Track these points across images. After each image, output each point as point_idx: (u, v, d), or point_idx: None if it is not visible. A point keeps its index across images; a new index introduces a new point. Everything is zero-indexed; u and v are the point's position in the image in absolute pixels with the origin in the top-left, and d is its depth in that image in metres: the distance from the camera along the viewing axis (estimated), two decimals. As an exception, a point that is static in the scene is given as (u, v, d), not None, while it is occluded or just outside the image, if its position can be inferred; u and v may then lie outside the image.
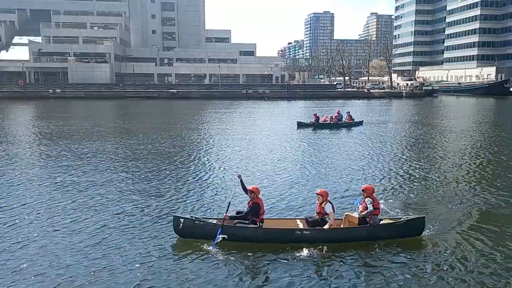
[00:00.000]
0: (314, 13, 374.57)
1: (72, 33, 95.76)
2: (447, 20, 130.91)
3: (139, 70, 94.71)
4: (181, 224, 9.58)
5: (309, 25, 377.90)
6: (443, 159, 20.75)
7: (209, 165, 18.93)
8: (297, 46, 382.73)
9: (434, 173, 17.54)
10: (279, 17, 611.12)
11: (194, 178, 16.44)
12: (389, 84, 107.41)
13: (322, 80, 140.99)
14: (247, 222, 9.68)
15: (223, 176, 16.66)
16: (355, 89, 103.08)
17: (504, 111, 56.24)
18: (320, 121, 34.27)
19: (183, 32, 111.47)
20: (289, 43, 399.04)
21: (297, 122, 34.69)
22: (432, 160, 20.40)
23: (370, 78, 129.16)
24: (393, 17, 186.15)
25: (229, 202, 10.16)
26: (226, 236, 9.22)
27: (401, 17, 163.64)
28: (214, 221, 9.73)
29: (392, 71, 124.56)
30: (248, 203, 9.87)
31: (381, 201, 12.18)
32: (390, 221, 10.18)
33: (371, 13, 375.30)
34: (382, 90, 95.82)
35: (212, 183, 15.61)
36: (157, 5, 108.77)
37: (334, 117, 34.73)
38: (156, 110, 55.80)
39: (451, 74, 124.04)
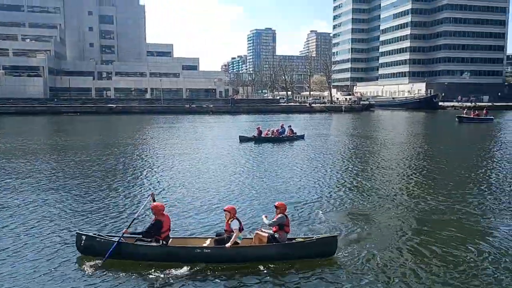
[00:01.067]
0: (256, 30, 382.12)
1: (1, 45, 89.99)
2: (381, 38, 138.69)
3: (75, 84, 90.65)
4: (82, 241, 9.27)
5: (252, 41, 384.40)
6: (378, 171, 21.13)
7: (139, 182, 18.05)
8: (240, 61, 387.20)
9: (368, 185, 17.70)
10: (222, 32, 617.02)
11: (119, 195, 15.56)
12: (329, 98, 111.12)
13: (266, 95, 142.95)
14: (150, 240, 9.19)
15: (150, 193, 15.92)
16: (298, 104, 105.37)
17: (433, 123, 59.95)
18: (262, 135, 34.32)
19: (123, 45, 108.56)
20: (232, 58, 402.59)
21: (239, 136, 34.48)
22: (368, 173, 20.74)
23: (311, 93, 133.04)
24: (331, 35, 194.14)
25: (134, 219, 10.03)
26: (120, 253, 8.99)
27: (339, 35, 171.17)
28: (116, 238, 9.25)
29: (332, 86, 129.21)
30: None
31: (307, 216, 12.07)
32: (300, 240, 9.58)
33: (311, 31, 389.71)
34: (323, 105, 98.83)
35: (135, 200, 14.74)
36: (95, 17, 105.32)
37: (275, 131, 34.95)
38: (92, 126, 53.37)
39: (386, 89, 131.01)
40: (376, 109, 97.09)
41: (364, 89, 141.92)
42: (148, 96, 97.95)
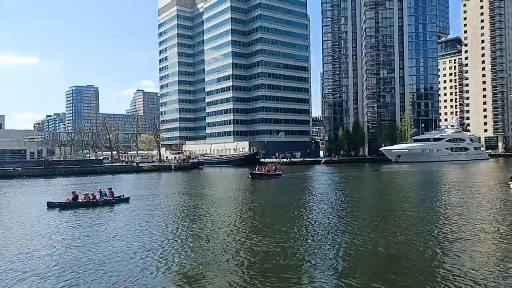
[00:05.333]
0: (76, 86, 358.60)
1: None
2: (207, 100, 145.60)
3: None
4: None
5: (71, 98, 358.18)
6: (209, 229, 20.49)
7: None
8: (57, 119, 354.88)
9: (194, 245, 16.62)
10: (34, 87, 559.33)
11: None
12: (158, 157, 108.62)
13: (88, 155, 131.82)
14: None
15: None
16: (124, 164, 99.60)
17: (236, 180, 62.86)
18: (79, 200, 29.75)
19: None
20: (48, 116, 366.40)
21: (47, 202, 29.28)
22: (194, 231, 19.86)
23: (139, 152, 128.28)
24: (159, 94, 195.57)
25: None
26: None
27: (166, 95, 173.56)
28: None
29: (160, 145, 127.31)
30: None
31: None
32: None
33: (138, 90, 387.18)
34: (152, 164, 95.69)
35: None
36: None
37: (91, 195, 30.64)
38: None
39: (214, 147, 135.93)
40: (205, 167, 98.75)
41: (193, 148, 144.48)
42: None
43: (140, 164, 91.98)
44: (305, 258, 15.20)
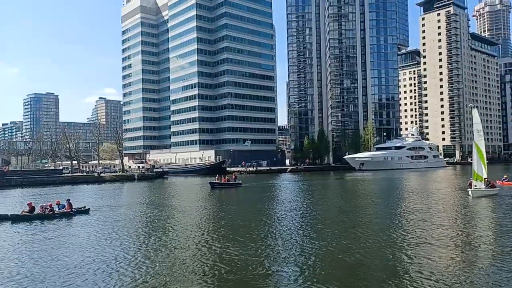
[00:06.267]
0: (35, 94, 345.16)
1: None
2: (172, 108, 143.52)
3: None
4: None
5: (29, 106, 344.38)
6: (170, 240, 19.98)
7: None
8: (14, 127, 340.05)
9: (155, 258, 15.89)
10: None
11: None
12: (121, 167, 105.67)
13: (47, 165, 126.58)
14: None
15: None
16: (85, 174, 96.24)
17: (196, 189, 62.09)
18: (36, 212, 28.21)
19: None
20: (4, 125, 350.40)
21: (-2, 214, 27.62)
22: (161, 244, 19.25)
23: (101, 161, 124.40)
24: (122, 103, 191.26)
25: None
26: None
27: (130, 103, 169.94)
28: None
29: (123, 154, 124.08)
30: None
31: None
32: None
33: (100, 98, 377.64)
34: (114, 174, 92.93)
35: None
36: None
37: (48, 206, 29.14)
38: None
39: (179, 156, 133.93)
40: (170, 176, 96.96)
41: (158, 157, 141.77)
42: None
43: (102, 174, 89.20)
44: (266, 267, 14.92)
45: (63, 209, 29.60)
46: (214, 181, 55.48)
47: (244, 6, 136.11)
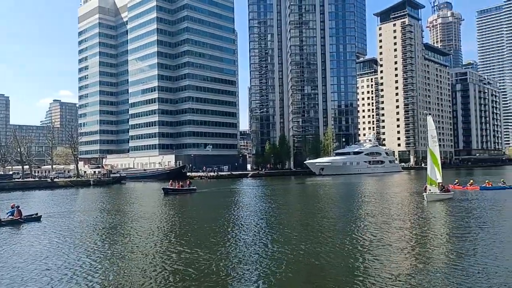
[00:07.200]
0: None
1: None
2: (130, 112, 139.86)
3: None
4: None
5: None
6: (124, 248, 19.26)
7: None
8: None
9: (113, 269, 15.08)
10: None
11: None
12: (76, 172, 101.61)
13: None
14: None
15: None
16: (37, 179, 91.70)
17: (150, 195, 60.99)
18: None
19: None
20: None
21: None
22: (115, 252, 18.48)
23: (54, 166, 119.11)
24: (77, 105, 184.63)
25: None
26: None
27: (86, 106, 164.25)
28: None
29: (78, 159, 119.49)
30: None
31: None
32: None
33: (54, 100, 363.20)
34: (68, 179, 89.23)
35: None
36: None
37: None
38: None
39: (137, 161, 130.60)
40: (128, 182, 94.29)
41: (115, 162, 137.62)
42: None
43: (55, 179, 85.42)
44: (226, 272, 14.51)
45: (11, 217, 27.84)
46: (167, 187, 53.96)
47: (206, 10, 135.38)
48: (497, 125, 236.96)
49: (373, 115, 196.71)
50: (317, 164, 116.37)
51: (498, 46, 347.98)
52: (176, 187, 54.00)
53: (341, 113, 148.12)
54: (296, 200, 47.06)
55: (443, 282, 13.43)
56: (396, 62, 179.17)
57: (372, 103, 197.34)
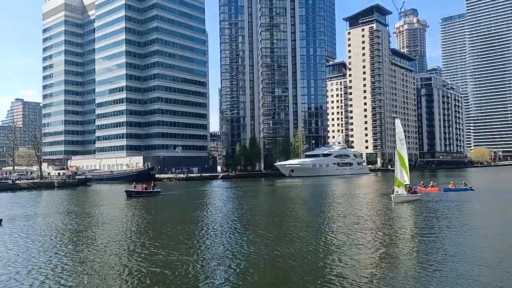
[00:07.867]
0: None
1: None
2: (97, 112, 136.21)
3: None
4: None
5: None
6: (88, 252, 18.63)
7: None
8: None
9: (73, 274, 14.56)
10: None
11: None
12: (39, 174, 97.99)
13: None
14: None
15: None
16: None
17: (112, 198, 59.83)
18: None
19: None
20: None
21: None
22: (80, 257, 17.86)
23: (16, 167, 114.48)
24: (41, 105, 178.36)
25: None
26: None
27: (50, 105, 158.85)
28: None
29: (42, 160, 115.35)
30: None
31: None
32: None
33: (16, 99, 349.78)
34: (31, 181, 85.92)
35: None
36: None
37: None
38: None
39: (104, 163, 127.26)
40: (94, 184, 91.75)
41: (81, 163, 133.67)
42: None
43: (17, 181, 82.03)
44: (196, 275, 14.15)
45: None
46: (130, 189, 52.05)
47: (176, 10, 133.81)
48: (459, 128, 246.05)
49: (342, 118, 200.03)
50: (287, 166, 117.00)
51: (461, 53, 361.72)
52: (140, 190, 52.23)
53: (311, 116, 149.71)
54: (267, 202, 46.99)
55: (414, 281, 13.68)
56: (364, 66, 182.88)
57: (341, 106, 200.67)
